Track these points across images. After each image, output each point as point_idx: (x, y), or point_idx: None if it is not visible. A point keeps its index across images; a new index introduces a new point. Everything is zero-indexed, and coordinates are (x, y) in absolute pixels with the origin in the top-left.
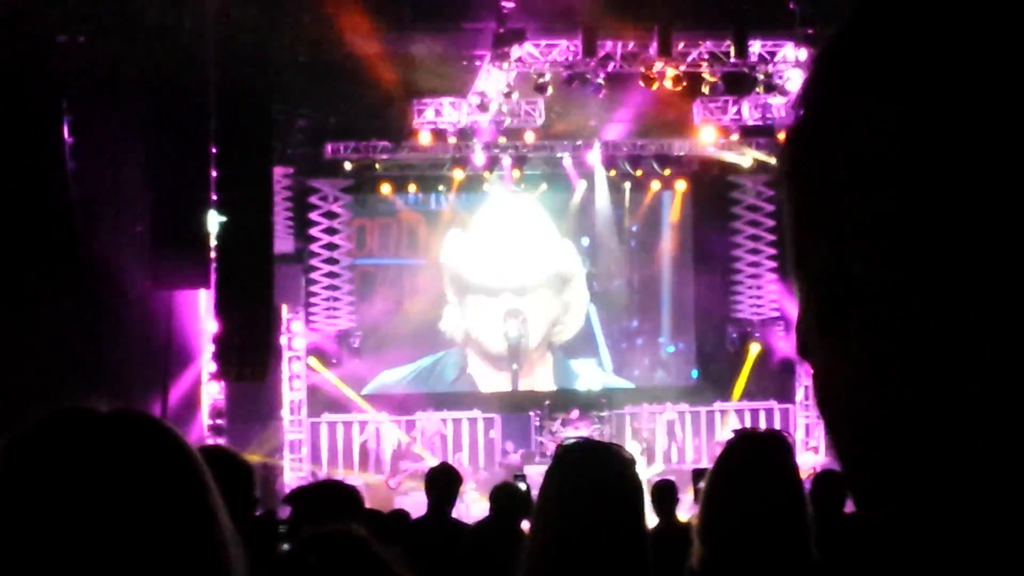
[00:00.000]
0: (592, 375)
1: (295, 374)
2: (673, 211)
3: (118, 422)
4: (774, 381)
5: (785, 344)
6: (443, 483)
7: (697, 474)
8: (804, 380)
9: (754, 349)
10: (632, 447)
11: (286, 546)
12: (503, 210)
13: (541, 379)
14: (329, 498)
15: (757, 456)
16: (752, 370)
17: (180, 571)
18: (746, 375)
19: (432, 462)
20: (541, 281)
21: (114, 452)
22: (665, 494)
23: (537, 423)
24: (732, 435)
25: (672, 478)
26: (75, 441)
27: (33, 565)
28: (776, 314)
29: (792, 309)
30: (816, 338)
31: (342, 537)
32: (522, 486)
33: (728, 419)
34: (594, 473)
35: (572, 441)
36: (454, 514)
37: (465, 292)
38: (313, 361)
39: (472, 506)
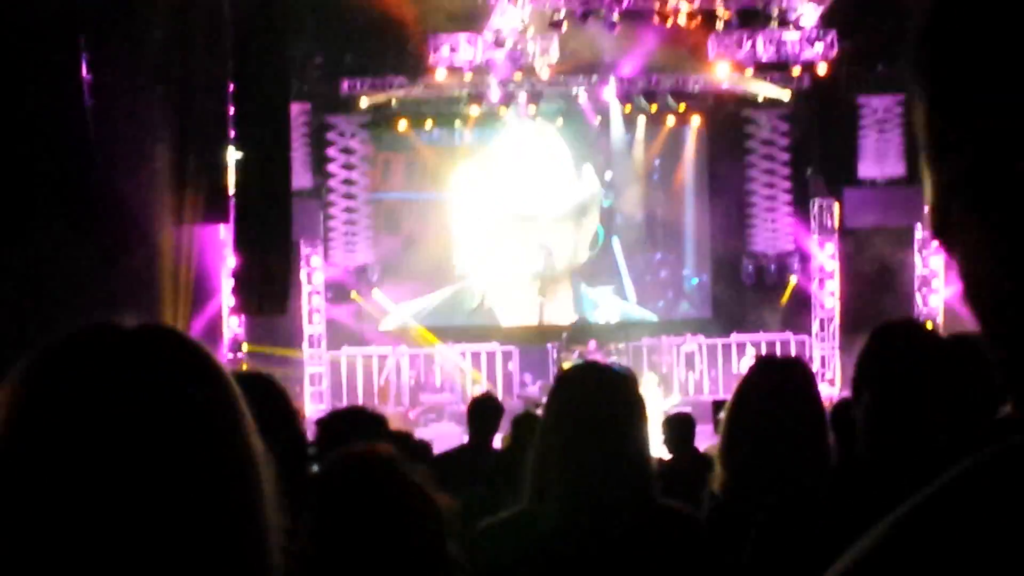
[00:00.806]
0: (610, 304)
1: (314, 308)
2: (688, 145)
3: (146, 336)
4: (789, 312)
5: (800, 276)
6: (485, 413)
7: (717, 405)
8: (819, 312)
9: (792, 280)
10: (649, 378)
11: (315, 468)
12: (522, 141)
13: (561, 310)
14: (356, 422)
15: (778, 381)
16: (767, 302)
17: (210, 488)
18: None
19: (448, 396)
20: (565, 210)
21: (142, 366)
22: (681, 426)
23: (555, 355)
24: (752, 362)
25: (689, 410)
26: (102, 355)
27: (60, 481)
28: (791, 247)
29: (806, 242)
30: (964, 221)
31: (371, 456)
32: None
33: (745, 351)
34: (591, 387)
35: (574, 363)
36: None
37: (487, 222)
38: (354, 294)
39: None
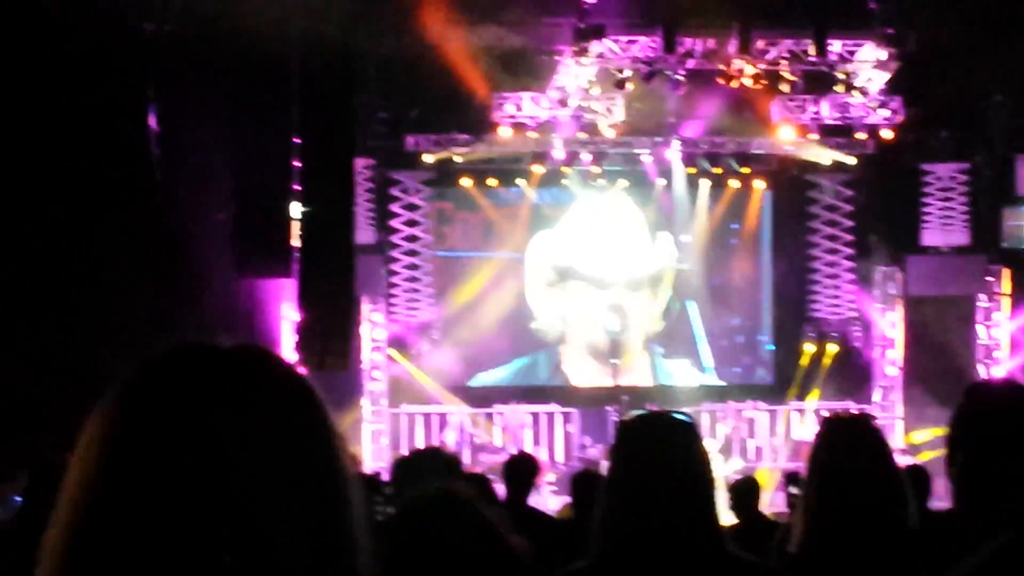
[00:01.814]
0: (687, 376)
1: (376, 364)
2: (751, 210)
3: (243, 355)
4: (851, 382)
5: (861, 344)
6: (521, 471)
7: (791, 477)
8: (881, 381)
9: (831, 349)
10: (709, 444)
11: (390, 509)
12: (597, 204)
13: (638, 377)
14: (431, 462)
15: (853, 434)
16: (829, 372)
17: (307, 509)
18: (823, 374)
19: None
20: (641, 276)
21: (239, 384)
22: (747, 489)
23: (615, 418)
24: (820, 422)
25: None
26: (201, 372)
27: (159, 499)
28: (854, 314)
29: (868, 310)
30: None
31: (449, 496)
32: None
33: (806, 418)
34: (654, 438)
35: (634, 415)
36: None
37: (565, 284)
38: (394, 352)
39: (549, 499)
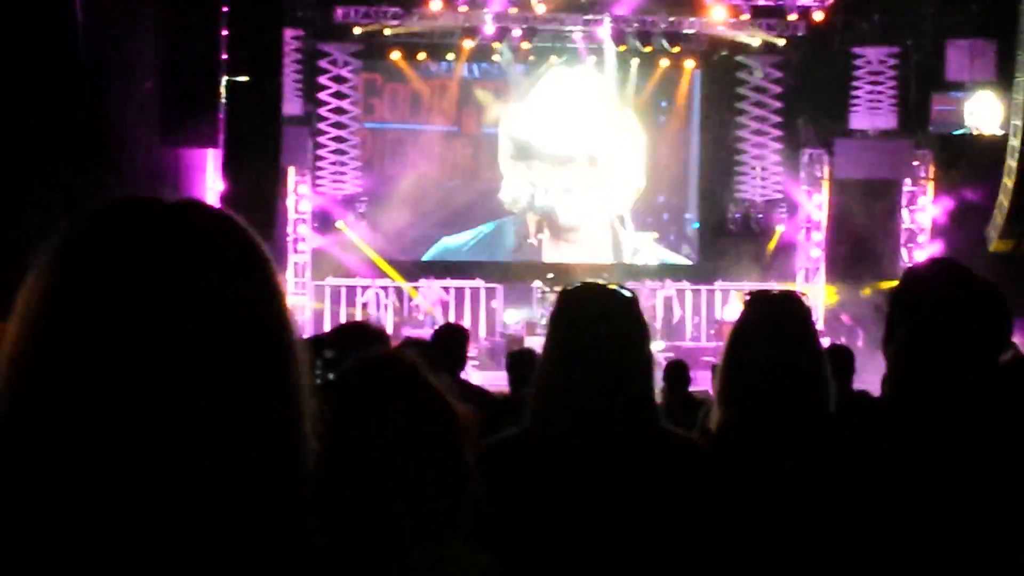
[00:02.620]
0: (650, 250)
1: (300, 236)
2: (681, 89)
3: (187, 209)
4: (774, 261)
5: (786, 225)
6: (451, 342)
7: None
8: (805, 262)
9: (779, 230)
10: None
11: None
12: (559, 81)
13: (601, 251)
14: (365, 337)
15: (775, 314)
16: (752, 250)
17: (251, 366)
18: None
19: (430, 331)
20: (603, 151)
21: (185, 237)
22: (677, 371)
23: (539, 295)
24: (747, 298)
25: (671, 355)
26: (145, 224)
27: (99, 356)
28: (779, 195)
29: (794, 191)
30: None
31: (393, 360)
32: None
33: (729, 298)
34: (596, 305)
35: (573, 285)
36: None
37: (527, 158)
38: (340, 224)
39: (472, 374)
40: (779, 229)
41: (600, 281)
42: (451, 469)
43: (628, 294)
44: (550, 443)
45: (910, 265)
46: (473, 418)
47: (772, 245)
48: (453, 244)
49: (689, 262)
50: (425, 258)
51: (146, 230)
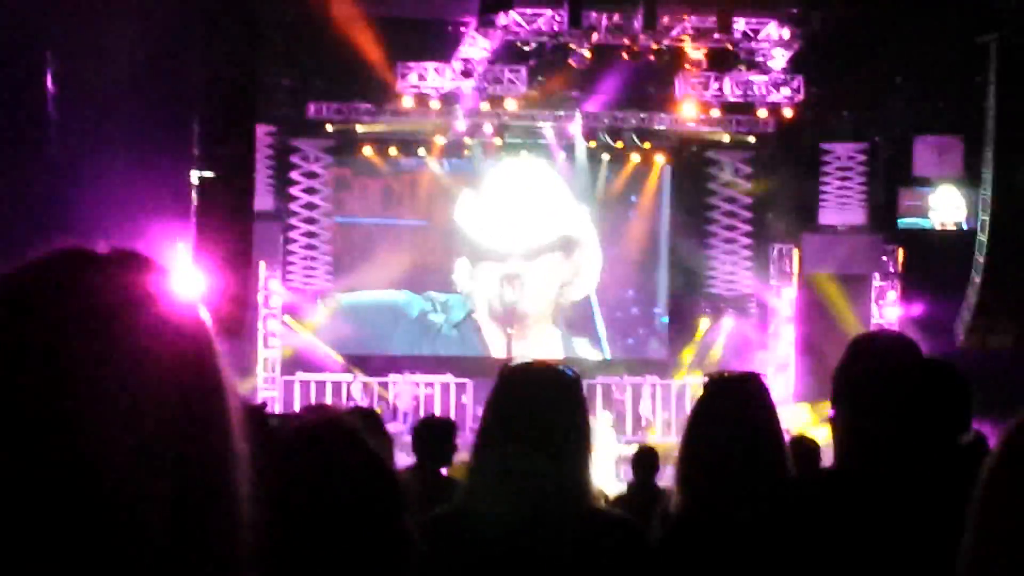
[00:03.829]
0: (587, 350)
1: (271, 332)
2: (651, 184)
3: (119, 259)
4: (743, 356)
5: (756, 321)
6: (433, 435)
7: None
8: (773, 358)
9: (703, 324)
10: (603, 417)
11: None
12: (500, 175)
13: (544, 349)
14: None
15: (732, 396)
16: (723, 346)
17: (182, 429)
18: (694, 346)
19: (402, 426)
20: (544, 245)
21: (114, 290)
22: (646, 457)
23: None
24: (705, 380)
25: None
26: (73, 278)
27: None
28: (749, 291)
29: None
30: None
31: (333, 424)
32: None
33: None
34: (535, 384)
35: (515, 362)
36: None
37: (472, 255)
38: (289, 319)
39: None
40: (702, 323)
41: (545, 360)
42: (389, 535)
43: (571, 373)
44: (479, 520)
45: (855, 337)
46: (412, 486)
47: (698, 336)
48: (397, 299)
49: (660, 357)
50: (363, 299)
51: (74, 281)
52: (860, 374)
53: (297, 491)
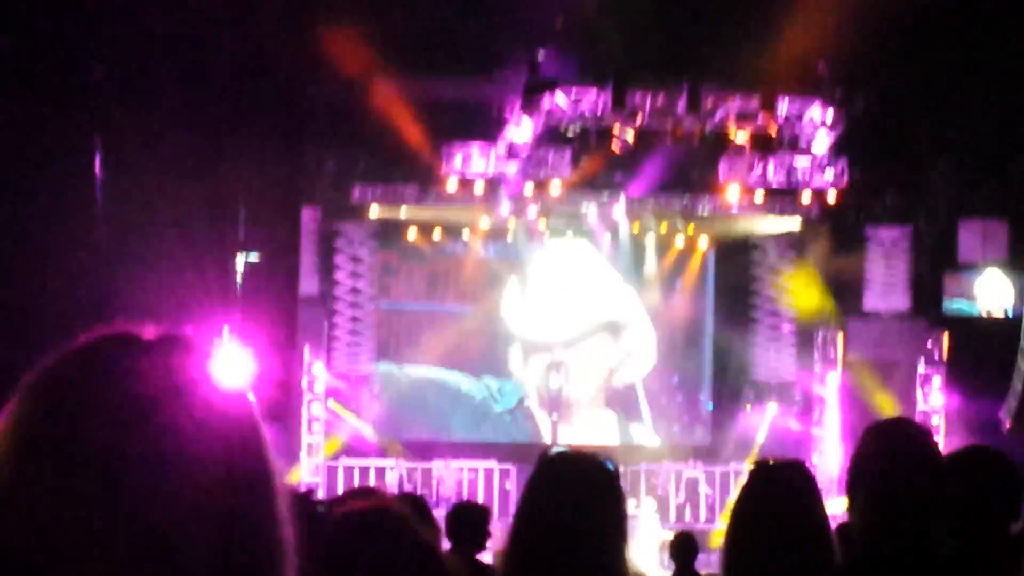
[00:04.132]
0: (644, 435)
1: (314, 417)
2: (694, 268)
3: (167, 343)
4: (786, 444)
5: (800, 408)
6: (467, 521)
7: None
8: (821, 445)
9: (748, 411)
10: (647, 503)
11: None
12: (543, 261)
13: (593, 435)
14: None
15: (776, 485)
16: (766, 433)
17: (226, 515)
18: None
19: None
20: (589, 330)
21: (160, 375)
22: (685, 544)
23: None
24: (751, 468)
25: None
26: (118, 363)
27: (65, 491)
28: (792, 377)
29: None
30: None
31: (382, 511)
32: None
33: (741, 479)
34: (571, 481)
35: (555, 450)
36: None
37: (523, 343)
38: (334, 404)
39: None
40: (771, 410)
41: (584, 449)
42: None
43: (610, 465)
44: None
45: (870, 424)
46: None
47: (764, 427)
48: (456, 382)
49: (705, 443)
50: (424, 373)
51: (121, 367)
52: (877, 458)
53: None
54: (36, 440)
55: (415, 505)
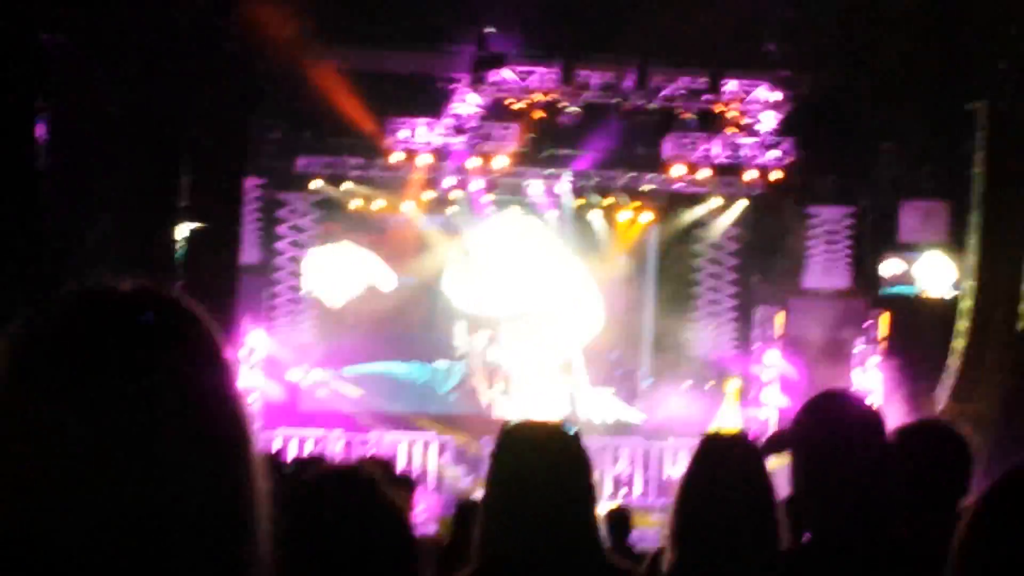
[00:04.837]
0: (607, 405)
1: (252, 386)
2: (638, 244)
3: (140, 298)
4: (725, 419)
5: (740, 384)
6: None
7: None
8: (755, 423)
9: (687, 386)
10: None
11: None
12: (490, 235)
13: (541, 406)
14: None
15: (724, 455)
16: (705, 408)
17: (201, 473)
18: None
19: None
20: (532, 302)
21: (139, 333)
22: (619, 519)
23: (489, 449)
24: (699, 440)
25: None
26: (99, 318)
27: (42, 450)
28: (732, 354)
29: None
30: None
31: (351, 473)
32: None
33: (679, 456)
34: (538, 444)
35: (516, 421)
36: None
37: (477, 315)
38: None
39: (419, 528)
40: (733, 385)
41: (542, 419)
42: None
43: (571, 430)
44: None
45: (813, 396)
46: (430, 542)
47: (734, 399)
48: (397, 371)
49: (642, 418)
50: (363, 371)
51: (101, 321)
52: (816, 437)
53: (315, 540)
54: (21, 393)
55: (384, 468)
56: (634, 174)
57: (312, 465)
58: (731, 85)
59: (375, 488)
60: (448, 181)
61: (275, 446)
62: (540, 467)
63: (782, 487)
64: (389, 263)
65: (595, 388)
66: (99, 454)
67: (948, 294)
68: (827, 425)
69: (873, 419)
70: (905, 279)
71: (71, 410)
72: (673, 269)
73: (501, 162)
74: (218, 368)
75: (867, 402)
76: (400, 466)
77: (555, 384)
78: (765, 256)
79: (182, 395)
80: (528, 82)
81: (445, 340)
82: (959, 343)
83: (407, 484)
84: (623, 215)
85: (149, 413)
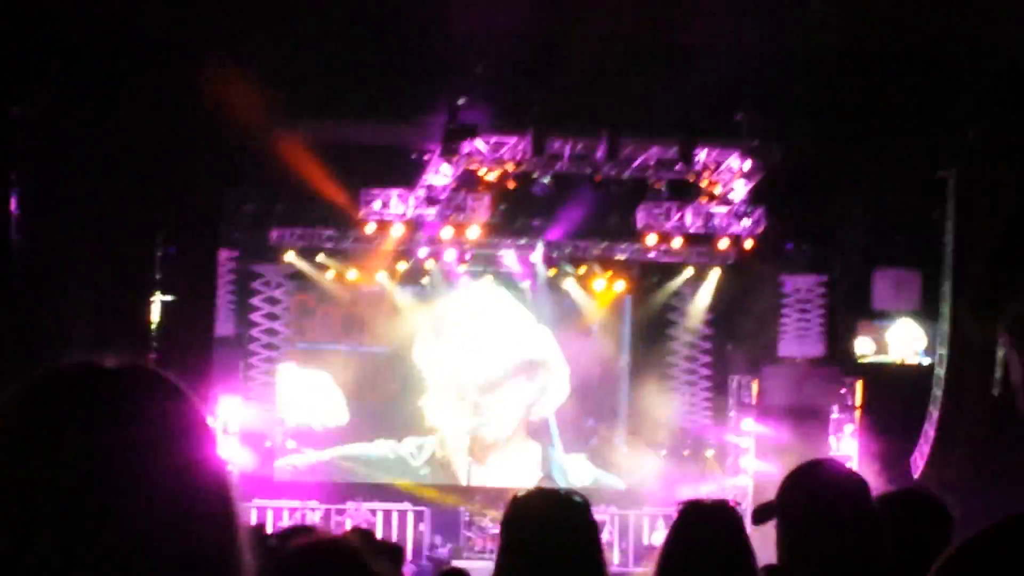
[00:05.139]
0: (583, 470)
1: (228, 458)
2: (611, 314)
3: (127, 375)
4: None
5: (715, 453)
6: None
7: None
8: (732, 491)
9: (663, 455)
10: None
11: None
12: (456, 304)
13: (521, 469)
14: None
15: (705, 525)
16: (681, 476)
17: (192, 546)
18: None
19: None
20: (506, 372)
21: (123, 405)
22: None
23: (467, 518)
24: (679, 507)
25: None
26: (81, 395)
27: (34, 518)
28: (708, 422)
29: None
30: None
31: (334, 544)
32: None
33: (658, 524)
34: (548, 515)
35: (525, 491)
36: None
37: (449, 383)
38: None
39: None
40: (709, 455)
41: (550, 487)
42: None
43: (579, 499)
44: None
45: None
46: None
47: (710, 467)
48: (371, 452)
49: (621, 485)
50: (335, 455)
51: (85, 397)
52: (803, 506)
53: None
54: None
55: (369, 539)
56: (607, 243)
57: (296, 537)
58: (702, 155)
59: (361, 560)
60: (422, 251)
61: (252, 517)
62: (552, 535)
63: (763, 554)
64: (362, 334)
65: (570, 455)
66: (84, 534)
67: (923, 361)
68: (813, 494)
69: (859, 487)
70: (879, 347)
71: (55, 488)
72: (648, 337)
73: (474, 232)
74: (203, 441)
75: (852, 470)
76: (379, 536)
77: (528, 451)
78: (739, 324)
79: (167, 470)
80: (500, 153)
81: (416, 413)
82: (934, 410)
83: (395, 554)
84: (597, 284)
85: (135, 489)
